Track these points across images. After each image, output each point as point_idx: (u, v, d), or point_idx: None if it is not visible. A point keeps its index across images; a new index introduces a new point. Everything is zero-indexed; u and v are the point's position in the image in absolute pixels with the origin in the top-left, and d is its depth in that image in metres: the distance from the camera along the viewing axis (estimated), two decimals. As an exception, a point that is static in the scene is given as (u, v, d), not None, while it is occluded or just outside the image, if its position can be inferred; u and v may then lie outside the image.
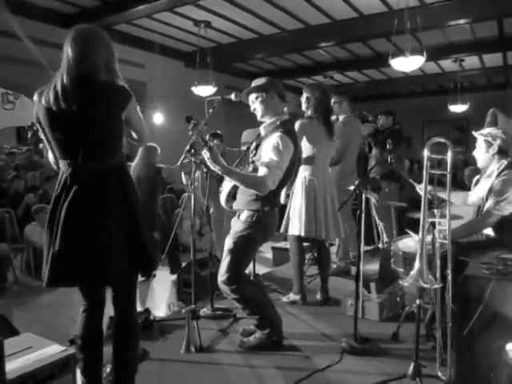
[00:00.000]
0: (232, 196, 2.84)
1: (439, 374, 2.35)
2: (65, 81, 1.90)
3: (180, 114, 7.35)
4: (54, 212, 1.99)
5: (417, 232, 2.37)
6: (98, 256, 1.93)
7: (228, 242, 2.82)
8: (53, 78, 1.96)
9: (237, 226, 2.82)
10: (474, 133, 2.94)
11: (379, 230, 5.25)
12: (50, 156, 2.10)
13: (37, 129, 2.06)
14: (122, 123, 2.01)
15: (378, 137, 5.10)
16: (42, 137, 2.06)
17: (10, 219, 5.55)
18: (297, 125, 3.62)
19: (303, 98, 3.79)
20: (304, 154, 3.57)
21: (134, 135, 2.14)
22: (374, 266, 3.60)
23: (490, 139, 2.85)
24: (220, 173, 2.59)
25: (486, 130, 2.92)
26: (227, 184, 2.86)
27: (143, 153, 4.61)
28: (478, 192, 3.01)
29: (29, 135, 11.93)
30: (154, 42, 7.86)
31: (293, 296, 3.77)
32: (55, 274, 1.94)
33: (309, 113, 3.74)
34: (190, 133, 2.52)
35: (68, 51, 1.95)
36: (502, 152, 2.83)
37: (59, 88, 1.89)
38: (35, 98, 1.99)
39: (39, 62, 2.47)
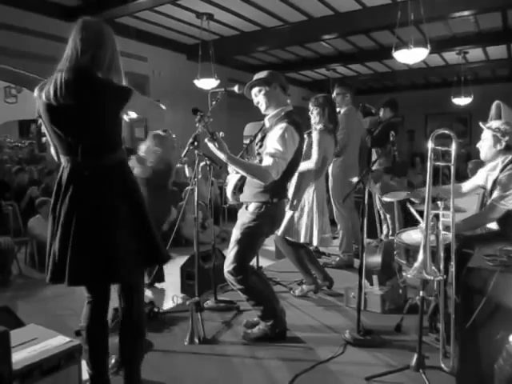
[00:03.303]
0: (238, 189, 2.84)
1: (442, 365, 2.36)
2: (65, 75, 1.88)
3: (182, 107, 7.33)
4: (55, 208, 1.99)
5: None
6: (102, 255, 1.93)
7: (235, 233, 2.83)
8: (54, 72, 1.94)
9: (244, 217, 2.82)
10: (481, 124, 2.90)
11: (383, 222, 5.25)
12: (52, 150, 2.11)
13: (41, 123, 2.05)
14: (121, 122, 2.00)
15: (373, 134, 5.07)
16: (45, 131, 2.07)
17: (14, 212, 5.57)
18: (316, 135, 3.71)
19: (315, 110, 3.81)
20: (314, 166, 3.67)
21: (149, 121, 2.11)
22: (376, 259, 3.61)
23: (499, 135, 2.81)
24: (225, 161, 2.59)
25: (495, 124, 2.86)
26: (233, 177, 2.86)
27: (160, 144, 4.22)
28: (474, 180, 3.01)
29: (32, 128, 11.96)
30: (156, 35, 7.82)
31: (307, 287, 3.79)
32: (57, 272, 1.95)
33: (321, 124, 3.78)
34: (197, 124, 2.51)
35: (73, 43, 1.93)
36: (508, 148, 2.81)
37: (59, 83, 1.87)
38: (36, 93, 1.98)
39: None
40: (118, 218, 1.96)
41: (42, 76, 2.00)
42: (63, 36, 1.98)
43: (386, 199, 3.63)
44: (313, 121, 3.86)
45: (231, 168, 2.87)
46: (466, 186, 3.10)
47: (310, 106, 3.87)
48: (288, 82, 2.96)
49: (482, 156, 2.94)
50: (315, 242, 3.67)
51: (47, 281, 2.00)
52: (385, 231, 5.24)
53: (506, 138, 2.77)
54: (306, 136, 3.79)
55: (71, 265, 1.91)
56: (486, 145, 2.87)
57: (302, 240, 3.67)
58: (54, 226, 2.00)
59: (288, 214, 3.64)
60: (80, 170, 1.95)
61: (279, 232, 3.64)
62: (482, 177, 2.96)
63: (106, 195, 1.95)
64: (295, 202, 3.68)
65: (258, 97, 2.84)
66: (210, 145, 2.52)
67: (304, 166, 3.67)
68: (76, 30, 1.94)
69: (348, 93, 4.59)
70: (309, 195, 3.72)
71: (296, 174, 3.58)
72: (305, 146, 3.71)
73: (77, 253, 1.91)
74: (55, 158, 2.11)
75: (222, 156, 2.55)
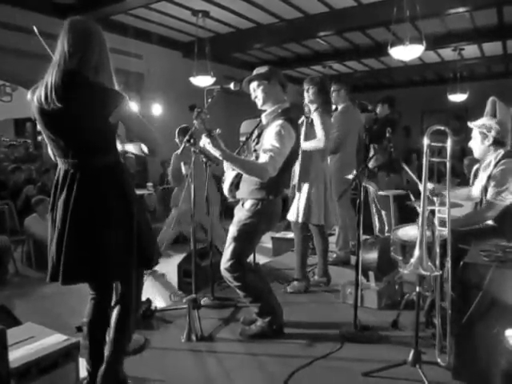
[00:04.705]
0: (235, 185, 2.84)
1: (439, 360, 2.37)
2: (54, 79, 1.87)
3: (178, 105, 7.32)
4: (52, 209, 2.01)
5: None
6: (95, 254, 1.94)
7: (232, 230, 2.83)
8: (45, 75, 1.93)
9: (241, 214, 2.82)
10: (469, 123, 2.94)
11: (380, 219, 5.26)
12: (49, 150, 2.11)
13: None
14: (112, 124, 1.97)
15: (372, 130, 5.08)
16: (41, 131, 2.07)
17: (10, 211, 5.55)
18: (317, 116, 3.65)
19: (311, 89, 3.72)
20: (322, 144, 3.62)
21: (144, 148, 2.06)
22: (372, 255, 3.63)
23: (484, 131, 2.83)
24: (221, 158, 2.59)
25: (481, 122, 2.88)
26: (230, 173, 2.86)
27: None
28: (478, 185, 3.01)
29: (27, 127, 11.91)
30: (151, 33, 7.80)
31: (297, 284, 3.80)
32: (55, 271, 1.97)
33: (318, 105, 3.69)
34: (194, 121, 2.51)
35: (61, 45, 1.92)
36: (497, 143, 2.82)
37: (49, 87, 1.87)
38: (29, 96, 1.97)
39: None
40: (112, 218, 1.96)
41: (37, 75, 1.98)
42: (57, 34, 1.96)
43: (381, 193, 3.65)
44: (307, 100, 3.75)
45: (225, 165, 2.87)
46: (475, 191, 3.05)
47: (305, 85, 3.75)
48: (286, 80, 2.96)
49: (476, 154, 2.97)
50: (334, 221, 3.66)
51: (47, 280, 2.01)
52: (377, 226, 5.25)
53: (492, 133, 2.79)
54: (303, 118, 3.79)
55: (65, 264, 1.93)
56: (475, 143, 2.92)
57: (321, 222, 3.67)
58: (52, 226, 2.02)
59: (302, 199, 3.65)
60: (73, 171, 1.95)
61: (300, 219, 3.64)
62: (481, 177, 2.97)
63: (99, 196, 1.96)
64: (304, 185, 3.66)
65: (257, 91, 2.84)
66: (206, 142, 2.52)
67: (311, 144, 3.64)
68: (63, 32, 1.93)
69: (342, 89, 4.57)
70: (321, 177, 3.69)
71: (300, 157, 3.58)
72: (304, 128, 3.70)
73: (70, 252, 1.93)
74: (52, 158, 2.12)
75: (217, 154, 2.55)
